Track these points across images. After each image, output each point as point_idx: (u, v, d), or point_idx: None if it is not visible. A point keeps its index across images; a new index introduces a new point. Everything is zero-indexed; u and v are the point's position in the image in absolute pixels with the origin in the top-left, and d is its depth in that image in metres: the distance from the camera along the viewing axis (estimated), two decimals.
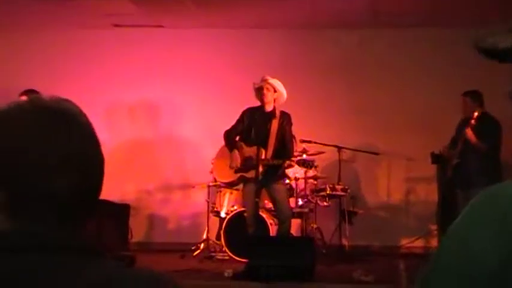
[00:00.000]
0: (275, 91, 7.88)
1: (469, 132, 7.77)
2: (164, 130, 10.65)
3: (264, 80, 7.85)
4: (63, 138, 1.15)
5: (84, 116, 1.22)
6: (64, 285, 1.10)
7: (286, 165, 7.88)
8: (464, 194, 7.84)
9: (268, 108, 7.93)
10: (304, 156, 8.46)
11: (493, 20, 9.66)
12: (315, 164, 8.25)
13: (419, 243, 9.94)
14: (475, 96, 8.10)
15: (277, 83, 7.88)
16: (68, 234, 1.16)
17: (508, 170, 8.39)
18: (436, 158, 9.16)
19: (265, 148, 7.85)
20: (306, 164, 8.08)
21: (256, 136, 7.93)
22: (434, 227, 9.73)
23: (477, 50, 0.94)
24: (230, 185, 8.61)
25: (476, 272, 0.77)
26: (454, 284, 0.80)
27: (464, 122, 8.08)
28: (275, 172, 7.96)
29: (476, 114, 7.76)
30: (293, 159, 7.96)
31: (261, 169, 7.79)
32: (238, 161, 7.92)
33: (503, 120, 7.89)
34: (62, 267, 1.11)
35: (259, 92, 7.90)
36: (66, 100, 1.22)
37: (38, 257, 1.10)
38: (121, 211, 9.77)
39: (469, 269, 0.78)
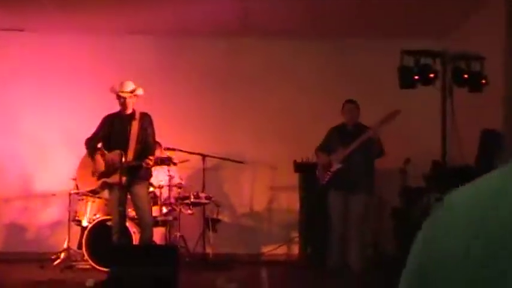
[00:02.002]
0: (133, 95, 7.84)
1: (374, 131, 7.97)
2: (25, 135, 10.31)
3: (123, 92, 7.78)
4: None
5: None
6: None
7: (144, 164, 7.74)
8: (346, 197, 8.10)
9: (128, 111, 7.87)
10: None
11: (358, 32, 10.08)
12: (174, 160, 8.17)
13: (281, 250, 10.13)
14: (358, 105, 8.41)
15: (135, 89, 7.83)
16: None
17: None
18: (299, 167, 9.39)
19: (126, 151, 7.75)
20: (163, 162, 8.03)
21: (116, 140, 7.82)
22: (296, 235, 9.96)
23: None
24: (93, 193, 8.46)
25: None
26: None
27: (348, 129, 8.34)
28: (136, 175, 7.85)
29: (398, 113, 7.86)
30: (151, 158, 7.80)
31: (122, 173, 7.66)
32: (101, 166, 7.79)
33: None
34: None
35: (119, 99, 7.82)
36: None
37: None
38: None
39: None
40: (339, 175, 8.19)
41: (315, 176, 8.57)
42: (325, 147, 8.45)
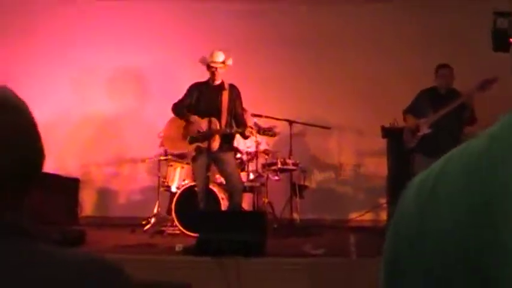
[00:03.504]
0: (224, 66, 7.91)
1: (468, 97, 7.78)
2: (114, 102, 10.51)
3: (215, 62, 7.84)
4: None
5: (15, 97, 1.19)
6: None
7: (247, 132, 7.84)
8: (433, 162, 7.84)
9: (217, 81, 7.94)
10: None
11: None
12: (276, 130, 8.20)
13: (368, 216, 10.03)
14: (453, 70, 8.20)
15: (225, 60, 7.91)
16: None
17: None
18: (387, 132, 9.23)
19: (219, 119, 7.86)
20: (267, 132, 8.07)
21: (208, 108, 7.94)
22: (383, 201, 9.82)
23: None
24: (181, 157, 8.55)
25: None
26: None
27: (440, 93, 8.16)
28: (228, 143, 7.98)
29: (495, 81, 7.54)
30: (252, 127, 7.95)
31: (217, 140, 7.79)
32: (203, 124, 7.88)
33: None
34: None
35: (210, 69, 7.90)
36: None
37: None
38: (70, 185, 9.67)
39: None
40: (426, 139, 8.02)
41: (402, 139, 8.44)
42: (414, 110, 8.27)
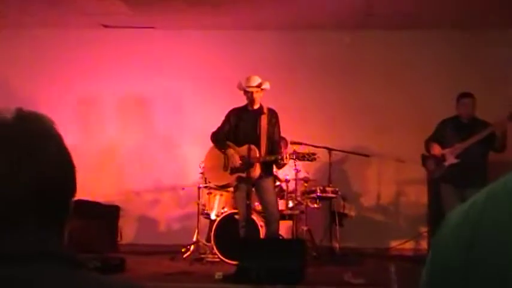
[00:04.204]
0: (260, 90, 7.89)
1: (500, 127, 7.71)
2: (154, 130, 10.60)
3: (250, 86, 7.84)
4: (17, 148, 1.13)
5: (49, 125, 1.19)
6: None
7: (286, 160, 7.81)
8: (460, 192, 7.77)
9: (255, 106, 7.93)
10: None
11: (479, 22, 9.73)
12: (315, 156, 8.10)
13: (409, 245, 9.92)
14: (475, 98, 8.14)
15: (261, 84, 7.89)
16: (38, 243, 1.11)
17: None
18: (427, 160, 9.14)
19: (258, 146, 7.82)
20: (306, 157, 7.98)
21: (246, 135, 7.91)
22: (424, 229, 9.72)
23: None
24: (226, 187, 8.52)
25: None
26: None
27: (463, 122, 8.10)
28: (267, 169, 7.94)
29: None
30: (291, 153, 7.89)
31: (258, 168, 7.76)
32: (237, 160, 7.87)
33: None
34: (27, 278, 1.07)
35: (247, 94, 7.89)
36: (28, 111, 1.19)
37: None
38: (110, 212, 9.76)
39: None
40: (452, 169, 7.97)
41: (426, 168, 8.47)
42: (436, 140, 8.23)
